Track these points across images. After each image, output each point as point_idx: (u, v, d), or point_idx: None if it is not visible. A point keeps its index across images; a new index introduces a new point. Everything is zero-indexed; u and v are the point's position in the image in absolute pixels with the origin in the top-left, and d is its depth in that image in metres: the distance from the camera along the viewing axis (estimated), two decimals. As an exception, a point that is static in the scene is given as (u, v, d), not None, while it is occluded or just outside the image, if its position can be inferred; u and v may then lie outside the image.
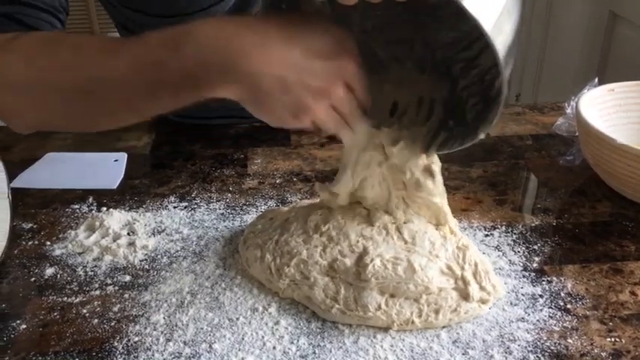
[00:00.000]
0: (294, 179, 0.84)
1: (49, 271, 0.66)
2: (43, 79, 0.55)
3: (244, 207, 0.77)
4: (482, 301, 0.59)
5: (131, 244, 0.69)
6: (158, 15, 0.80)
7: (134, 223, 0.73)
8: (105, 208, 0.77)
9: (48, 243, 0.71)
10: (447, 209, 0.64)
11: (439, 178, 0.63)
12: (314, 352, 0.55)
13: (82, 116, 0.59)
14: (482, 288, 0.59)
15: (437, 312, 0.57)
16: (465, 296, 0.58)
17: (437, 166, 0.63)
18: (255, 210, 0.76)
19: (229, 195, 0.80)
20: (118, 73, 0.52)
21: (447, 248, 0.62)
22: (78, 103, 0.56)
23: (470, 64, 0.61)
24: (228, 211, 0.77)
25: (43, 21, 0.67)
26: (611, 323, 0.58)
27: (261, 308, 0.60)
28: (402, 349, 0.55)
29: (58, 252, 0.69)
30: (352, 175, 0.63)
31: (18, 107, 0.58)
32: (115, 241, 0.70)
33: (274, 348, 0.56)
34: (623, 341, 0.56)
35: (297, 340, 0.56)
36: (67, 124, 0.64)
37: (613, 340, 0.56)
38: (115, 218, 0.73)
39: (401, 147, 0.62)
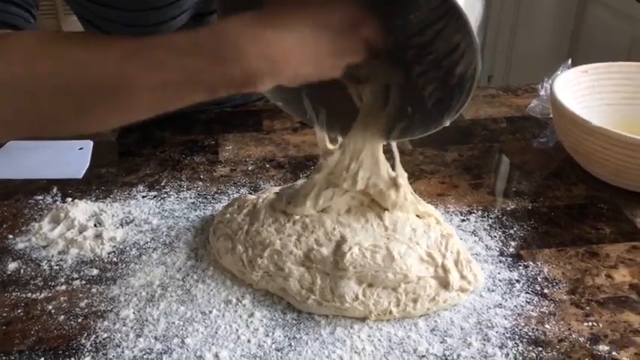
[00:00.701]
0: (267, 166, 0.82)
1: (12, 265, 0.63)
2: (47, 81, 0.50)
3: (216, 195, 0.75)
4: (462, 290, 0.58)
5: (98, 236, 0.67)
6: (126, 9, 0.76)
7: (101, 214, 0.70)
8: (70, 199, 0.74)
9: (10, 236, 0.68)
10: (425, 209, 0.64)
11: (404, 190, 0.62)
12: (290, 345, 0.54)
13: (91, 117, 0.53)
14: (463, 277, 0.59)
15: (415, 301, 0.56)
16: (445, 285, 0.58)
17: (403, 178, 0.63)
18: (227, 198, 0.74)
19: (200, 183, 0.78)
20: (143, 79, 0.50)
21: (429, 235, 0.61)
22: (88, 105, 0.51)
23: (424, 50, 0.60)
24: (200, 199, 0.75)
25: (17, 16, 0.63)
26: (588, 307, 0.58)
27: (234, 300, 0.59)
28: (379, 339, 0.54)
29: (21, 245, 0.66)
30: (314, 206, 0.63)
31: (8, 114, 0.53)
32: (81, 233, 0.67)
33: (249, 341, 0.54)
34: (601, 325, 0.56)
35: (273, 333, 0.55)
36: (66, 127, 0.58)
37: (590, 324, 0.56)
38: (81, 209, 0.71)
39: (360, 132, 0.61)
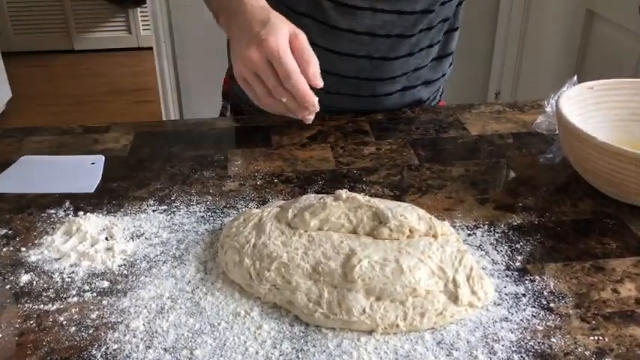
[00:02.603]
0: (276, 180, 0.83)
1: (25, 278, 0.64)
2: None
3: (225, 209, 0.76)
4: (471, 306, 0.59)
5: (109, 249, 0.68)
6: None
7: (112, 228, 0.71)
8: (82, 213, 0.75)
9: (23, 249, 0.69)
10: (440, 228, 0.65)
11: (395, 221, 0.63)
12: (297, 357, 0.54)
13: None
14: (473, 292, 0.59)
15: (422, 315, 0.57)
16: (454, 299, 0.58)
17: (385, 207, 0.64)
18: (236, 212, 0.76)
19: (210, 197, 0.79)
20: None
21: (445, 249, 0.62)
22: None
23: None
24: (209, 213, 0.76)
25: None
26: (594, 321, 0.58)
27: (243, 312, 0.59)
28: (386, 352, 0.55)
29: (33, 258, 0.67)
30: (319, 226, 0.65)
31: None
32: (92, 246, 0.68)
33: (257, 353, 0.55)
34: (607, 339, 0.56)
35: (280, 345, 0.56)
36: None
37: (596, 338, 0.56)
38: (93, 223, 0.72)
39: None
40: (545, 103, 0.97)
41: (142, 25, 4.16)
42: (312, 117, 0.80)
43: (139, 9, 4.11)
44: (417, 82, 1.05)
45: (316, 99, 0.76)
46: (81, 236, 0.70)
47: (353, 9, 0.93)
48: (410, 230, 0.63)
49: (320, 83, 0.76)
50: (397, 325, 0.56)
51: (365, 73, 0.99)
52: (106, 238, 0.70)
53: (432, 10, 0.96)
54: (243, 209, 0.76)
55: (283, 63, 0.73)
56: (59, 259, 0.67)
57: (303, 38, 0.76)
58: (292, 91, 0.75)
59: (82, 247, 0.68)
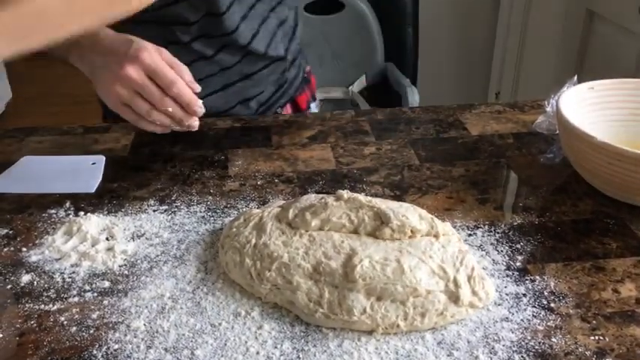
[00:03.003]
0: (276, 180, 0.83)
1: (26, 278, 0.64)
2: None
3: (225, 209, 0.76)
4: (471, 306, 0.59)
5: (110, 249, 0.68)
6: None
7: (113, 228, 0.72)
8: (82, 213, 0.75)
9: (24, 249, 0.69)
10: (443, 229, 0.65)
11: (397, 221, 0.63)
12: (298, 357, 0.54)
13: None
14: (474, 293, 0.59)
15: (423, 315, 0.57)
16: (455, 299, 0.58)
17: (387, 207, 0.64)
18: (236, 212, 0.76)
19: (210, 197, 0.79)
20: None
21: (446, 249, 0.62)
22: None
23: None
24: (209, 213, 0.76)
25: None
26: (594, 321, 0.58)
27: (243, 312, 0.59)
28: (386, 352, 0.55)
29: (34, 258, 0.67)
30: (320, 226, 0.65)
31: None
32: (93, 246, 0.68)
33: (258, 353, 0.55)
34: (607, 339, 0.56)
35: (281, 345, 0.56)
36: None
37: (597, 338, 0.56)
38: (93, 223, 0.72)
39: None
40: (546, 103, 0.97)
41: (142, 25, 4.15)
42: (197, 123, 0.81)
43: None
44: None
45: (200, 101, 0.79)
46: (81, 236, 0.70)
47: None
48: (411, 231, 0.63)
49: (198, 87, 0.80)
50: (398, 325, 0.56)
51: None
52: (107, 238, 0.70)
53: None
54: (244, 209, 0.76)
55: (164, 73, 0.76)
56: (60, 259, 0.67)
57: (166, 52, 0.79)
58: (178, 98, 0.77)
59: (83, 247, 0.68)
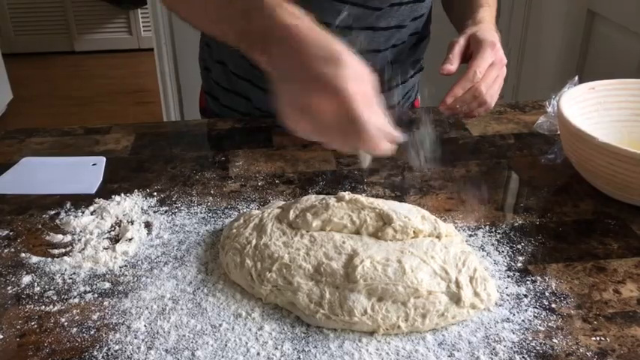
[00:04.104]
0: (277, 181, 0.83)
1: (26, 279, 0.64)
2: None
3: (226, 210, 0.76)
4: (473, 307, 0.58)
5: (111, 250, 0.68)
6: None
7: (114, 229, 0.71)
8: (82, 213, 0.75)
9: (25, 250, 0.69)
10: (444, 229, 0.65)
11: (400, 222, 0.63)
12: (299, 357, 0.54)
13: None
14: (476, 294, 0.59)
15: (424, 316, 0.57)
16: (456, 300, 0.58)
17: (389, 208, 0.64)
18: (237, 213, 0.75)
19: (211, 198, 0.79)
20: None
21: (449, 250, 0.62)
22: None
23: None
24: (210, 214, 0.76)
25: None
26: (595, 322, 0.58)
27: (244, 313, 0.59)
28: (387, 353, 0.55)
29: (35, 259, 0.67)
30: (321, 227, 0.65)
31: None
32: (94, 247, 0.68)
33: (258, 354, 0.55)
34: (608, 340, 0.56)
35: (282, 346, 0.56)
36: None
37: (598, 339, 0.56)
38: (95, 223, 0.72)
39: None
40: (547, 103, 0.97)
41: (143, 26, 4.16)
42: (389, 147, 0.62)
43: (139, 10, 4.12)
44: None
45: (396, 133, 0.62)
46: (82, 237, 0.70)
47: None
48: (414, 232, 0.63)
49: (398, 137, 0.62)
50: (399, 326, 0.56)
51: None
52: (110, 239, 0.70)
53: (404, 25, 0.97)
54: (244, 210, 0.76)
55: (365, 127, 0.58)
56: (61, 260, 0.67)
57: (372, 80, 0.61)
58: (362, 147, 0.61)
59: (84, 247, 0.68)
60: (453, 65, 0.85)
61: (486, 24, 0.91)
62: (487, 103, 0.85)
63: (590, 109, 0.85)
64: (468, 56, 0.86)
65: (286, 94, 0.61)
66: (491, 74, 0.84)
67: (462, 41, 0.87)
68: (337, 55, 0.58)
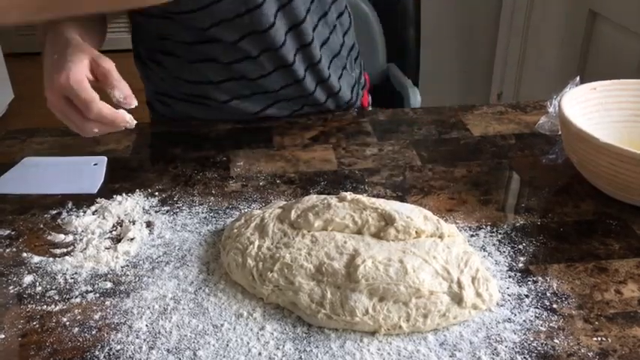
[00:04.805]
0: (278, 181, 0.83)
1: (28, 279, 0.64)
2: None
3: (227, 210, 0.76)
4: (474, 308, 0.58)
5: (112, 250, 0.68)
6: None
7: (115, 229, 0.71)
8: (83, 213, 0.75)
9: (26, 250, 0.69)
10: (446, 230, 0.65)
11: (402, 222, 0.63)
12: (300, 357, 0.54)
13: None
14: (478, 294, 0.59)
15: (425, 317, 0.57)
16: (458, 300, 0.58)
17: (391, 208, 0.64)
18: (238, 213, 0.75)
19: (212, 198, 0.79)
20: None
21: (451, 250, 0.62)
22: None
23: None
24: (211, 214, 0.76)
25: None
26: (597, 322, 0.58)
27: (245, 313, 0.59)
28: (389, 353, 0.55)
29: (36, 259, 0.67)
30: (322, 227, 0.65)
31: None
32: (95, 247, 0.68)
33: (260, 354, 0.55)
34: (610, 340, 0.56)
35: (283, 346, 0.56)
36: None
37: (599, 339, 0.56)
38: (97, 223, 0.72)
39: None
40: (548, 103, 0.97)
41: (144, 26, 4.16)
42: (134, 122, 0.73)
43: (141, 10, 4.12)
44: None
45: (128, 115, 0.72)
46: (84, 237, 0.70)
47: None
48: (416, 232, 0.63)
49: (133, 103, 0.72)
50: (400, 326, 0.56)
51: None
52: (111, 239, 0.70)
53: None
54: (246, 210, 0.76)
55: (77, 95, 0.68)
56: (62, 260, 0.67)
57: (106, 63, 0.71)
58: (99, 120, 0.70)
59: (85, 247, 0.68)
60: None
61: None
62: None
63: (591, 109, 0.84)
64: None
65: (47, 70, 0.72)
66: None
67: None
68: (68, 45, 0.73)
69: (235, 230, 0.67)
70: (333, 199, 0.67)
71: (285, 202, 0.71)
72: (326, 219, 0.65)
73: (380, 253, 0.60)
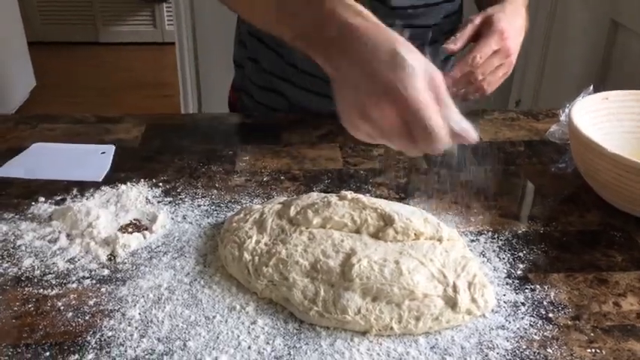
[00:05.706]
0: (282, 177, 0.83)
1: (27, 262, 0.65)
2: None
3: (229, 204, 0.77)
4: (468, 313, 0.58)
5: (112, 237, 0.68)
6: None
7: (117, 217, 0.72)
8: (87, 200, 0.76)
9: (29, 234, 0.69)
10: (446, 233, 0.64)
11: (401, 223, 0.63)
12: (289, 354, 0.54)
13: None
14: (473, 300, 0.58)
15: (417, 319, 0.56)
16: (452, 305, 0.57)
17: (391, 209, 0.64)
18: (240, 207, 0.76)
19: (215, 191, 0.79)
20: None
21: (449, 254, 0.61)
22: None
23: None
24: (213, 207, 0.76)
25: None
26: (592, 334, 0.57)
27: (238, 307, 0.59)
28: (378, 354, 0.55)
29: (37, 244, 0.68)
30: (321, 224, 0.65)
31: None
32: (95, 234, 0.69)
33: (249, 348, 0.55)
34: (604, 352, 0.55)
35: (273, 341, 0.56)
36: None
37: (594, 351, 0.55)
38: (99, 211, 0.72)
39: None
40: (560, 111, 0.96)
41: (167, 19, 4.19)
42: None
43: (164, 4, 4.15)
44: None
45: (472, 133, 0.58)
46: (85, 224, 0.70)
47: None
48: (415, 234, 0.63)
49: (474, 137, 0.58)
50: (391, 328, 0.56)
51: None
52: (114, 227, 0.71)
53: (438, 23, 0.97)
54: (248, 205, 0.76)
55: (422, 118, 0.54)
56: (62, 244, 0.67)
57: (438, 78, 0.56)
58: (429, 150, 0.58)
59: (85, 234, 0.68)
60: (456, 45, 0.83)
61: (513, 5, 0.87)
62: (483, 89, 0.83)
63: (602, 119, 0.83)
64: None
65: (346, 98, 0.58)
66: (491, 62, 0.81)
67: (477, 20, 0.84)
68: (400, 58, 0.54)
69: (234, 224, 0.67)
70: (333, 198, 0.67)
71: (285, 198, 0.71)
72: (325, 217, 0.65)
73: (376, 253, 0.60)
